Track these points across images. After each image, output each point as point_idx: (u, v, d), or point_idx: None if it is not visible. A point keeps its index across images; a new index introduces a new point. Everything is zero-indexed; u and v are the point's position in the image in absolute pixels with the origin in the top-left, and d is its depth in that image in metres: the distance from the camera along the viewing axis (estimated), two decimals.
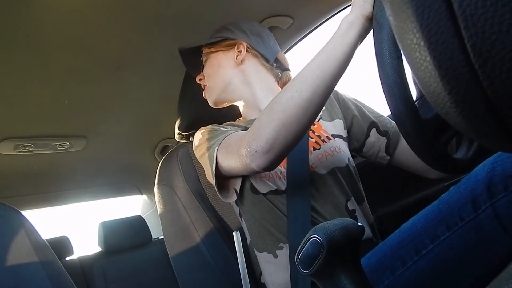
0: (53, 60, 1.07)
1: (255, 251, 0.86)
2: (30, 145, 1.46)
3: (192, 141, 1.12)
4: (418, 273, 0.61)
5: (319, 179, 0.85)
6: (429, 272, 0.61)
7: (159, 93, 1.44)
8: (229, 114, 1.08)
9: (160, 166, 1.05)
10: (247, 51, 0.95)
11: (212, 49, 0.98)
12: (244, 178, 0.86)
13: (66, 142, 1.54)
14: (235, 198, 0.85)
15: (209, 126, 0.90)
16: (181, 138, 1.14)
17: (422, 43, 0.23)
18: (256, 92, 0.95)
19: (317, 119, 0.97)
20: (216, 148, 0.79)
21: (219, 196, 0.83)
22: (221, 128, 0.87)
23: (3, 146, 1.40)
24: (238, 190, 0.84)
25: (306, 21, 1.25)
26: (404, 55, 0.26)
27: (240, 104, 1.00)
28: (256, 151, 0.67)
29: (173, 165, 1.01)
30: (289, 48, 1.41)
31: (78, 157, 1.71)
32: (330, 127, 0.95)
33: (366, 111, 0.99)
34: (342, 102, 1.01)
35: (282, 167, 0.86)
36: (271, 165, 0.69)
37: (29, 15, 0.89)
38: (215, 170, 0.78)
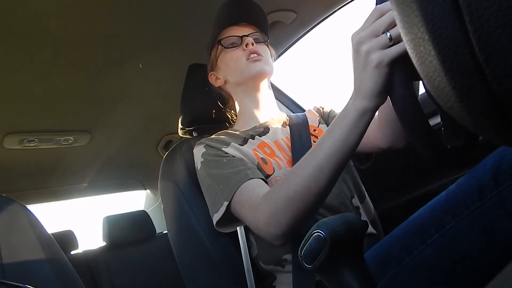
0: (58, 55, 1.07)
1: (261, 264, 0.85)
2: (34, 140, 1.47)
3: (195, 136, 1.12)
4: (424, 263, 0.61)
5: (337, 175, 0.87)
6: (434, 261, 0.61)
7: (162, 88, 1.44)
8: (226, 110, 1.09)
9: (164, 161, 1.06)
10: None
11: (268, 46, 1.02)
12: None
13: (70, 137, 1.55)
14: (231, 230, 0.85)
15: (205, 147, 0.90)
16: (184, 133, 1.14)
17: (426, 37, 0.22)
18: (266, 99, 1.01)
19: (317, 124, 1.02)
20: (225, 202, 0.78)
21: (215, 227, 0.83)
22: (220, 151, 0.87)
23: (8, 140, 1.41)
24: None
25: (309, 16, 1.24)
26: (409, 50, 0.26)
27: (250, 100, 1.00)
28: (276, 234, 0.68)
29: (177, 160, 1.01)
30: (292, 43, 1.40)
31: (82, 152, 1.72)
32: None
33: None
34: (329, 113, 1.07)
35: (289, 166, 0.87)
36: (287, 241, 0.71)
37: (33, 9, 0.89)
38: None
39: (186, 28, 1.13)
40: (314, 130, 0.99)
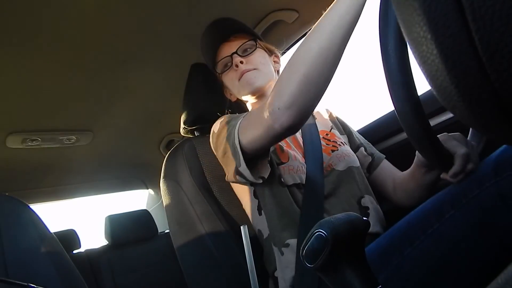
0: (60, 54, 1.07)
1: (273, 245, 0.86)
2: (37, 139, 1.47)
3: (197, 135, 1.13)
4: (425, 253, 0.62)
5: (337, 175, 0.90)
6: (434, 251, 0.61)
7: (164, 88, 1.44)
8: (233, 112, 1.08)
9: (166, 161, 1.06)
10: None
11: (261, 45, 1.01)
12: (273, 170, 0.86)
13: (73, 136, 1.56)
14: (267, 174, 0.84)
15: (226, 117, 0.92)
16: (186, 132, 1.14)
17: (429, 36, 0.22)
18: None
19: (329, 129, 1.05)
20: (238, 123, 0.80)
21: (251, 177, 0.81)
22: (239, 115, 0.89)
23: (10, 140, 1.42)
24: (265, 176, 0.84)
25: (311, 15, 1.23)
26: (411, 49, 0.26)
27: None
28: (278, 108, 0.67)
29: (179, 160, 1.01)
30: (294, 42, 1.40)
31: (84, 151, 1.73)
32: (341, 137, 1.04)
33: (355, 136, 1.10)
34: (341, 123, 1.12)
35: (303, 161, 0.91)
36: (295, 123, 0.68)
37: (35, 10, 0.89)
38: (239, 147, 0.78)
39: (188, 26, 1.13)
40: (327, 134, 1.02)
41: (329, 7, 0.68)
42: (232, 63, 0.96)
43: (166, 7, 1.03)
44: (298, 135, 1.01)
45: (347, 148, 1.00)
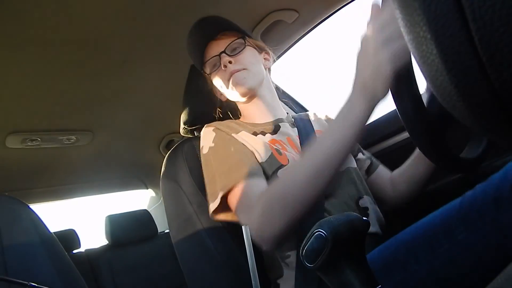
0: (60, 55, 1.07)
1: (276, 255, 0.85)
2: (37, 139, 1.47)
3: (197, 135, 1.12)
4: (432, 272, 0.59)
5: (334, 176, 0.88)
6: (443, 271, 0.58)
7: (164, 88, 1.44)
8: (231, 111, 1.08)
9: (166, 161, 1.06)
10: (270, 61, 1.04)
11: (251, 42, 0.99)
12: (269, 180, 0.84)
13: (73, 137, 1.56)
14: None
15: (214, 130, 0.89)
16: (186, 132, 1.14)
17: (429, 36, 0.22)
18: (271, 101, 1.01)
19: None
20: (221, 192, 0.78)
21: (210, 216, 0.83)
22: (230, 136, 0.87)
23: (10, 140, 1.42)
24: None
25: (311, 15, 1.23)
26: (411, 49, 0.26)
27: (254, 104, 0.99)
28: (269, 235, 0.68)
29: (178, 160, 1.01)
30: (294, 42, 1.40)
31: (84, 151, 1.73)
32: None
33: None
34: None
35: None
36: (278, 245, 0.70)
37: (35, 11, 0.89)
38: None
39: (188, 27, 1.13)
40: None
41: (319, 146, 0.65)
42: (220, 63, 0.93)
43: (166, 7, 1.03)
44: (294, 135, 0.97)
45: None
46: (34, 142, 1.47)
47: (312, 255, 0.43)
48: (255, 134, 0.91)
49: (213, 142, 0.88)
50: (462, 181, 1.14)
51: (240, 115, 1.07)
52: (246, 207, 0.74)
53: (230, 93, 0.94)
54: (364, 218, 0.45)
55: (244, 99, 0.97)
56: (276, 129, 0.95)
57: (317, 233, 0.42)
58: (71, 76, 1.19)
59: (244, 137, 0.88)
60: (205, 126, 0.95)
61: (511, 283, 0.24)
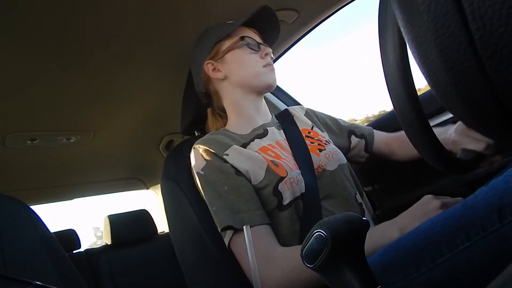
0: (60, 55, 1.07)
1: None
2: (37, 139, 1.47)
3: (197, 135, 1.12)
4: (433, 281, 0.57)
5: (329, 175, 0.88)
6: (444, 281, 0.57)
7: (164, 88, 1.44)
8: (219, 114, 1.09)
9: (165, 161, 1.06)
10: None
11: None
12: (270, 200, 0.83)
13: (73, 137, 1.56)
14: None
15: (204, 153, 0.88)
16: (186, 132, 1.14)
17: (428, 36, 0.22)
18: (263, 103, 1.03)
19: (310, 127, 1.03)
20: (230, 233, 0.80)
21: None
22: (221, 159, 0.86)
23: (10, 140, 1.41)
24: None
25: (311, 15, 1.23)
26: (410, 49, 0.26)
27: (250, 107, 0.99)
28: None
29: (178, 160, 1.01)
30: (294, 42, 1.40)
31: (84, 151, 1.73)
32: (323, 135, 1.03)
33: (341, 123, 1.12)
34: (321, 120, 1.10)
35: (297, 168, 0.87)
36: None
37: (35, 10, 0.89)
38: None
39: (188, 27, 1.13)
40: (309, 132, 1.00)
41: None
42: (259, 50, 0.95)
43: (166, 8, 1.03)
44: (281, 138, 0.96)
45: (332, 145, 0.97)
46: (34, 142, 1.47)
47: (312, 255, 0.43)
48: (244, 146, 0.90)
49: (202, 170, 0.87)
50: (461, 181, 1.14)
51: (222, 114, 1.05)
52: (263, 257, 0.75)
53: (259, 74, 0.94)
54: (364, 218, 0.45)
55: (256, 87, 0.96)
56: (264, 133, 0.95)
57: (316, 233, 0.43)
58: (71, 76, 1.19)
59: (235, 154, 0.87)
60: (194, 145, 0.93)
61: (511, 283, 0.24)
